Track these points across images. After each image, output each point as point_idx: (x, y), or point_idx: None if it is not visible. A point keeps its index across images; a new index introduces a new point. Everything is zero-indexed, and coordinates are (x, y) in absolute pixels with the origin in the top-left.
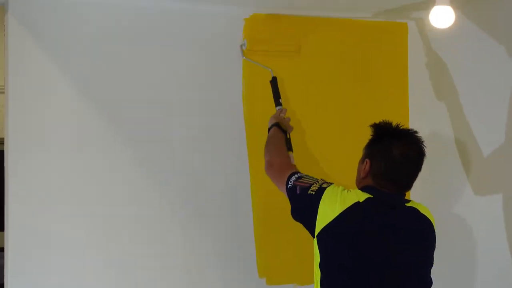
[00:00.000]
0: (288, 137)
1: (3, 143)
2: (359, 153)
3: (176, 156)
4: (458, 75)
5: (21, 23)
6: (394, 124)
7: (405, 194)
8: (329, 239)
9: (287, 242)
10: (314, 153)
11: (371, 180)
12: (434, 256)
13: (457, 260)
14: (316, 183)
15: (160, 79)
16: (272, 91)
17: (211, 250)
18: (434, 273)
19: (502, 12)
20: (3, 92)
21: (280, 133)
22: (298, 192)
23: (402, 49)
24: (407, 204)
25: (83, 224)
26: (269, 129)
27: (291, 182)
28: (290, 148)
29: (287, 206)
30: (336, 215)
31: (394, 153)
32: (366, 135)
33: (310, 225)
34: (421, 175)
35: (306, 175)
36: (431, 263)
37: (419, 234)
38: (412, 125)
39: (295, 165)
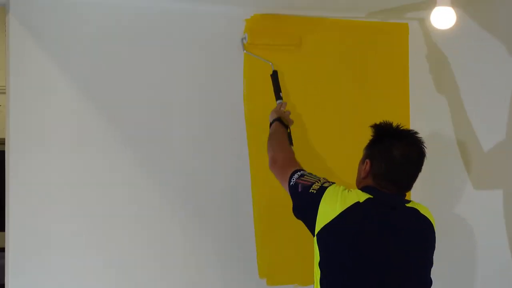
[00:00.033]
0: (288, 131)
1: (4, 143)
2: (358, 152)
3: (176, 156)
4: (459, 75)
5: (22, 23)
6: (394, 124)
7: (405, 195)
8: (329, 238)
9: (287, 242)
10: (314, 148)
11: (371, 181)
12: (435, 255)
13: (458, 260)
14: (318, 182)
15: (160, 79)
16: (273, 85)
17: (211, 250)
18: (434, 273)
19: (503, 12)
20: (4, 93)
21: (282, 128)
22: (299, 190)
23: (403, 50)
24: (407, 205)
25: (83, 224)
26: (270, 124)
27: (293, 179)
28: (290, 142)
29: (288, 206)
30: (337, 215)
31: (394, 154)
32: (367, 134)
33: (310, 224)
34: (422, 175)
35: (308, 173)
36: (431, 264)
37: (419, 235)
38: (412, 125)
39: (298, 162)
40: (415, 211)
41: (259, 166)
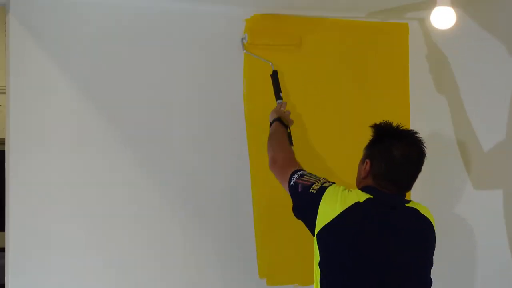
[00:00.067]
0: (288, 131)
1: (4, 143)
2: (358, 152)
3: (176, 156)
4: (459, 75)
5: (22, 23)
6: (394, 124)
7: (405, 195)
8: (329, 238)
9: (287, 242)
10: (314, 148)
11: (371, 181)
12: (435, 255)
13: (458, 260)
14: (318, 182)
15: (160, 79)
16: (273, 85)
17: (211, 250)
18: (434, 273)
19: (503, 12)
20: (4, 93)
21: (282, 128)
22: (299, 190)
23: (403, 50)
24: (407, 205)
25: (83, 224)
26: (270, 124)
27: (293, 179)
28: (290, 142)
29: (288, 206)
30: (337, 215)
31: (394, 154)
32: (367, 134)
33: (310, 224)
34: (422, 175)
35: (309, 173)
36: (431, 264)
37: (419, 235)
38: (413, 125)
39: (298, 162)
40: (415, 211)
41: (259, 166)
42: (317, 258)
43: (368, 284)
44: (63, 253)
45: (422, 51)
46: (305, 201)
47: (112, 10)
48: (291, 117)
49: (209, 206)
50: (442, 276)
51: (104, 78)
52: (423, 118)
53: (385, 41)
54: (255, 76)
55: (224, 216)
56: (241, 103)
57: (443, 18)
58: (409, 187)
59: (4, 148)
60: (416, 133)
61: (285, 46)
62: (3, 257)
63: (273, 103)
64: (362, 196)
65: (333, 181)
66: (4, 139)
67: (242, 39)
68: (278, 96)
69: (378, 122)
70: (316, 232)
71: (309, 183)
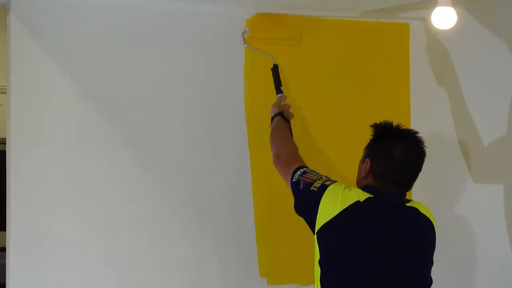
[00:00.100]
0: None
1: (4, 143)
2: (358, 149)
3: (176, 156)
4: (460, 74)
5: (23, 23)
6: (394, 124)
7: (405, 194)
8: (329, 237)
9: (288, 242)
10: (313, 145)
11: (371, 180)
12: (435, 255)
13: (458, 259)
14: (319, 180)
15: (160, 79)
16: (273, 79)
17: (212, 250)
18: (434, 272)
19: (504, 10)
20: (4, 92)
21: (284, 123)
22: (301, 187)
23: (403, 49)
24: (408, 204)
25: (84, 224)
26: (272, 118)
27: (295, 176)
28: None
29: (289, 205)
30: (337, 213)
31: (394, 153)
32: (367, 134)
33: (311, 221)
34: (423, 175)
35: (311, 171)
36: (431, 263)
37: (419, 234)
38: (414, 124)
39: (301, 159)
40: (415, 211)
41: (259, 165)
42: (317, 256)
43: (368, 283)
44: (63, 253)
45: (423, 50)
46: (306, 199)
47: (112, 10)
48: (291, 110)
49: (209, 206)
50: (442, 276)
51: (104, 78)
52: (424, 118)
53: (386, 41)
54: (256, 71)
55: (224, 216)
56: (241, 103)
57: (443, 18)
58: (409, 186)
59: (5, 147)
60: (416, 132)
61: (286, 40)
62: (4, 257)
63: (274, 100)
64: (363, 195)
65: (335, 180)
66: (4, 138)
67: (243, 33)
68: (278, 90)
69: (378, 122)
70: (316, 230)
71: (311, 181)
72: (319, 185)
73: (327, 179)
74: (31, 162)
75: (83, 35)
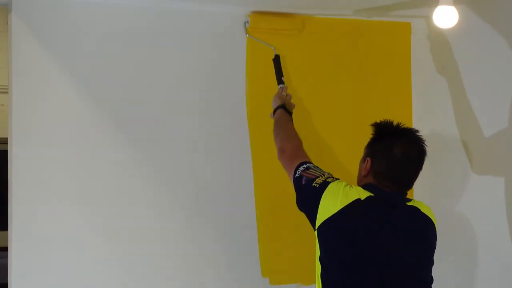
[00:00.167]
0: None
1: (6, 143)
2: (358, 144)
3: (177, 156)
4: (461, 73)
5: (24, 23)
6: (395, 123)
7: (406, 193)
8: (329, 233)
9: (290, 241)
10: (313, 137)
11: (372, 179)
12: (438, 254)
13: (459, 259)
14: (322, 176)
15: (160, 78)
16: (275, 69)
17: (213, 249)
18: (435, 272)
19: (507, 8)
20: (6, 92)
21: (287, 115)
22: (303, 182)
23: (405, 48)
24: (408, 203)
25: (85, 224)
26: (274, 110)
27: (298, 171)
28: None
29: (291, 205)
30: (337, 210)
31: (395, 152)
32: (368, 131)
33: (311, 217)
34: (424, 173)
35: (315, 166)
36: (431, 262)
37: (420, 233)
38: (415, 123)
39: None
40: (415, 210)
41: (261, 165)
42: (317, 253)
43: (368, 281)
44: (64, 253)
45: (424, 49)
46: (308, 194)
47: (112, 10)
48: (292, 101)
49: (210, 206)
50: (442, 276)
51: (105, 77)
52: (426, 117)
53: (388, 40)
54: (258, 62)
55: (226, 215)
56: (242, 103)
57: (445, 17)
58: (410, 185)
59: (6, 147)
60: (416, 131)
61: (288, 30)
62: (6, 256)
63: (275, 92)
64: (363, 194)
65: (337, 178)
66: (6, 138)
67: (245, 23)
68: (280, 81)
69: (379, 121)
70: (317, 227)
71: (313, 177)
72: (321, 181)
73: (329, 176)
74: (32, 162)
75: (84, 35)
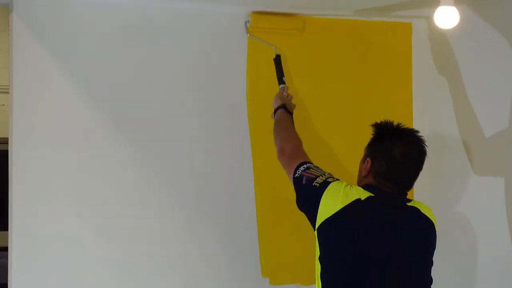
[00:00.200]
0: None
1: (7, 143)
2: (359, 144)
3: (177, 156)
4: (462, 73)
5: (25, 23)
6: (395, 123)
7: (406, 194)
8: (330, 233)
9: (290, 241)
10: (314, 137)
11: (372, 179)
12: (437, 254)
13: (459, 259)
14: (322, 176)
15: (160, 78)
16: (276, 69)
17: (213, 249)
18: (435, 272)
19: (506, 10)
20: (7, 92)
21: (287, 116)
22: (304, 182)
23: (406, 48)
24: (409, 204)
25: (85, 224)
26: (275, 111)
27: (298, 171)
28: None
29: (291, 205)
30: (338, 210)
31: (395, 153)
32: (368, 131)
33: (311, 217)
34: (425, 174)
35: (315, 166)
36: (431, 263)
37: (419, 234)
38: (416, 123)
39: (305, 153)
40: (415, 210)
41: (262, 164)
42: (317, 252)
43: (368, 281)
44: (64, 252)
45: (425, 49)
46: (308, 194)
47: (112, 10)
48: (293, 101)
49: (211, 206)
50: (442, 276)
51: (106, 77)
52: (426, 117)
53: (389, 40)
54: (259, 61)
55: (226, 215)
56: (242, 103)
57: (446, 17)
58: (410, 186)
59: (7, 147)
60: (416, 131)
61: (289, 30)
62: (6, 256)
63: (277, 92)
64: (363, 194)
65: (337, 178)
66: (7, 138)
67: (246, 22)
68: (281, 81)
69: (379, 121)
70: (317, 226)
71: (314, 176)
72: (322, 181)
73: (329, 176)
74: (32, 162)
75: (84, 35)
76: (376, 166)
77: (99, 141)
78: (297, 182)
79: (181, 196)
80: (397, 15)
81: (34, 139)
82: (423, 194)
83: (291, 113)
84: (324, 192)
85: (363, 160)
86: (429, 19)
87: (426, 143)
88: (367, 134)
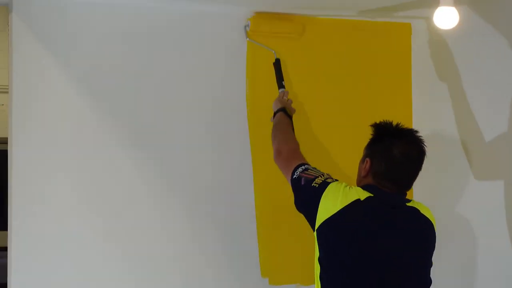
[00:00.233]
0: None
1: (6, 143)
2: (359, 147)
3: (177, 156)
4: (462, 74)
5: (25, 23)
6: (394, 123)
7: (405, 194)
8: (329, 234)
9: (290, 241)
10: (313, 140)
11: (371, 179)
12: (437, 255)
13: (459, 259)
14: (321, 177)
15: (160, 78)
16: (275, 73)
17: (213, 249)
18: (435, 272)
19: (506, 10)
20: (6, 92)
21: (286, 119)
22: (302, 183)
23: (405, 49)
24: (408, 204)
25: (85, 224)
26: (274, 114)
27: (296, 173)
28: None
29: (291, 205)
30: (337, 210)
31: (394, 153)
32: (368, 132)
33: (311, 218)
34: (425, 174)
35: (313, 168)
36: (430, 264)
37: (419, 234)
38: (415, 124)
39: (302, 155)
40: (415, 211)
41: (262, 166)
42: (317, 253)
43: (368, 281)
44: (64, 252)
45: (425, 50)
46: (307, 195)
47: (112, 10)
48: (292, 106)
49: (210, 206)
50: (442, 276)
51: (105, 77)
52: (426, 117)
53: (388, 40)
54: (258, 65)
55: (225, 215)
56: (242, 103)
57: (446, 18)
58: (409, 186)
59: (6, 147)
60: (416, 131)
61: (288, 34)
62: (5, 256)
63: (276, 95)
64: (363, 194)
65: (336, 178)
66: (6, 138)
67: (245, 26)
68: (280, 85)
69: (378, 121)
70: (316, 227)
71: (312, 177)
72: (321, 181)
73: (328, 176)
74: (32, 162)
75: (84, 35)
76: (375, 166)
77: (98, 141)
78: (296, 183)
79: (181, 196)
80: (397, 16)
81: (33, 139)
82: (423, 194)
83: (290, 117)
84: (324, 193)
85: (363, 160)
86: (428, 19)
87: (425, 143)
88: (367, 134)
